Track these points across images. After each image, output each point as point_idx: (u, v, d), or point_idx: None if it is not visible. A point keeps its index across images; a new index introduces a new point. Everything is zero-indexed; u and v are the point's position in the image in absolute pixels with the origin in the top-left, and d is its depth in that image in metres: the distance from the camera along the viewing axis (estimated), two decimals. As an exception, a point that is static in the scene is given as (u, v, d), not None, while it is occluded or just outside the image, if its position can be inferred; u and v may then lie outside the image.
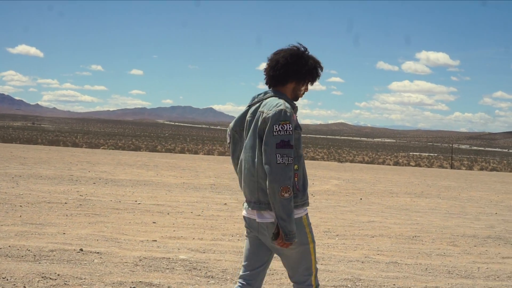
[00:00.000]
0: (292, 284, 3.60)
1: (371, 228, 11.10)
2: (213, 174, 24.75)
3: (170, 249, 7.72)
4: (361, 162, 66.51)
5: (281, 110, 3.35)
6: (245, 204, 3.57)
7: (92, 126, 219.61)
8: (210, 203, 13.79)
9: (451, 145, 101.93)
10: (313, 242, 3.49)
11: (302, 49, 3.56)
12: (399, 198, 18.93)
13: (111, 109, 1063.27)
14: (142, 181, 18.66)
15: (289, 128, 3.33)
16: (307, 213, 3.50)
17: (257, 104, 3.54)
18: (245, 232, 3.68)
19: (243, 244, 8.30)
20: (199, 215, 11.55)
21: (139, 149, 61.74)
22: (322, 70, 3.63)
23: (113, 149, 56.71)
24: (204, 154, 61.40)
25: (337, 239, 9.62)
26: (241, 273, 3.64)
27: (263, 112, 3.42)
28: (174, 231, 9.29)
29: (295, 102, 3.62)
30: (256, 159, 3.41)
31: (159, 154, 49.16)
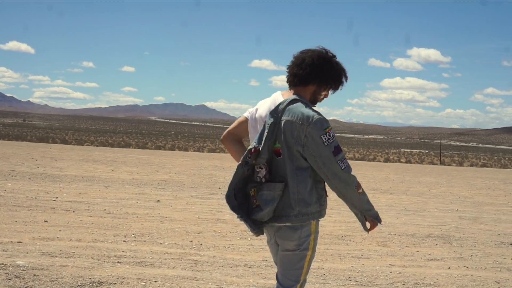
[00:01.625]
0: (276, 283, 3.51)
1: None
2: (177, 170, 23.79)
3: (18, 252, 6.69)
4: (351, 159, 66.04)
5: (318, 119, 3.32)
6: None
7: (83, 123, 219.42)
8: (141, 200, 12.81)
9: (440, 142, 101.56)
10: (313, 251, 3.45)
11: (330, 54, 3.49)
12: (359, 194, 17.96)
13: (103, 106, 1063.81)
14: (88, 177, 17.69)
15: (333, 133, 3.34)
16: (318, 220, 3.45)
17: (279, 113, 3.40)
18: (266, 238, 3.60)
19: (130, 246, 7.33)
20: (111, 213, 10.54)
21: (129, 146, 61.09)
22: (346, 80, 3.54)
23: (97, 145, 55.81)
24: (194, 151, 60.69)
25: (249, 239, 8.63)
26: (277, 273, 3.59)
27: (293, 122, 3.33)
28: (59, 231, 8.28)
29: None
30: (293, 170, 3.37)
31: (139, 150, 48.31)
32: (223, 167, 28.07)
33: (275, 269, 6.64)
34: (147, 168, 24.18)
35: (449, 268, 7.34)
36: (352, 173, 3.38)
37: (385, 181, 25.17)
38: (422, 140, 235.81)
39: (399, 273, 6.80)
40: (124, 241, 7.84)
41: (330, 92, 3.56)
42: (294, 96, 3.43)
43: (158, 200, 12.97)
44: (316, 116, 3.32)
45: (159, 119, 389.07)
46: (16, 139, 61.01)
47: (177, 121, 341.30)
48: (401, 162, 64.85)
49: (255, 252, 7.64)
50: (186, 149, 63.35)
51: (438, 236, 9.96)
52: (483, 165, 71.17)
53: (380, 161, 63.94)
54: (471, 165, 68.16)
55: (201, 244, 7.93)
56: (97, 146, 54.53)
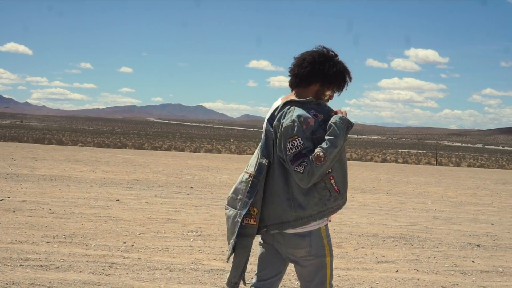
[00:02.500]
0: None
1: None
2: (157, 170, 23.19)
3: None
4: (348, 159, 65.54)
5: (286, 126, 3.23)
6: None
7: (81, 124, 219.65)
8: (99, 200, 12.25)
9: (436, 142, 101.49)
10: (331, 256, 3.35)
11: (332, 53, 3.40)
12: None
13: (100, 107, 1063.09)
14: (57, 176, 17.16)
15: (299, 141, 3.21)
16: (326, 224, 3.35)
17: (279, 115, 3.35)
18: (259, 239, 3.48)
19: (50, 248, 6.77)
20: (54, 212, 9.97)
21: (125, 147, 60.67)
22: (350, 80, 3.44)
23: (93, 146, 55.35)
24: (191, 151, 60.30)
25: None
26: (254, 281, 3.47)
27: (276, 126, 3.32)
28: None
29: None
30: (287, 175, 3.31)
31: (133, 151, 47.70)
32: (208, 167, 27.59)
33: (198, 273, 6.12)
34: (127, 167, 23.62)
35: (396, 271, 6.81)
36: (315, 173, 3.18)
37: (371, 181, 24.69)
38: (420, 140, 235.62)
39: (338, 276, 6.25)
40: (48, 242, 7.28)
41: (335, 93, 3.45)
42: (288, 99, 3.36)
43: (118, 200, 12.41)
44: (287, 122, 3.24)
45: (157, 120, 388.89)
46: (13, 140, 60.67)
47: (175, 122, 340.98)
48: (398, 163, 64.46)
49: (188, 254, 7.09)
50: (182, 150, 62.87)
51: (401, 237, 9.43)
52: (481, 166, 70.80)
53: (377, 162, 63.59)
54: (469, 166, 67.74)
55: (132, 245, 7.38)
56: (92, 147, 54.02)
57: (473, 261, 7.73)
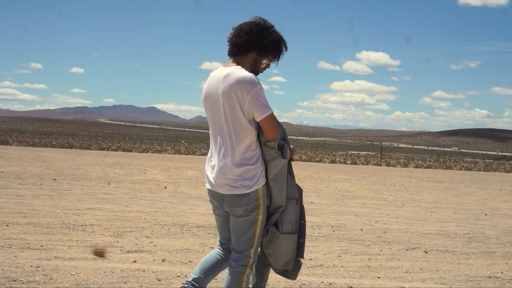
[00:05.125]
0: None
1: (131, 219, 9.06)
2: (47, 165, 22.13)
3: None
4: (298, 160, 65.68)
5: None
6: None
7: (30, 125, 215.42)
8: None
9: (381, 143, 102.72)
10: (263, 216, 3.45)
11: (268, 24, 3.50)
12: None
13: (51, 108, 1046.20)
14: None
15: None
16: (264, 186, 3.45)
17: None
18: (211, 209, 3.67)
19: None
20: None
21: (72, 148, 59.98)
22: (286, 49, 3.56)
23: (26, 146, 53.81)
24: (138, 152, 59.59)
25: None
26: (219, 239, 3.74)
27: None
28: None
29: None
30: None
31: (65, 150, 46.44)
32: (120, 163, 26.87)
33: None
34: (23, 162, 22.47)
35: (163, 260, 6.25)
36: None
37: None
38: (370, 142, 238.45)
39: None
40: None
41: (272, 62, 3.54)
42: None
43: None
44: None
45: (109, 121, 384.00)
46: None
47: (127, 123, 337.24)
48: (347, 164, 64.76)
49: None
50: (131, 151, 62.24)
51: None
52: (428, 167, 71.70)
53: (325, 163, 63.81)
54: (416, 167, 68.45)
55: None
56: (26, 146, 52.40)
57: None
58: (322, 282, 5.58)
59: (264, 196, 3.43)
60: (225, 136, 3.40)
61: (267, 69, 3.57)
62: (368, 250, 7.51)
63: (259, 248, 3.60)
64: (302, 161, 64.51)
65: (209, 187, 3.55)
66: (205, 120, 3.83)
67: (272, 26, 3.52)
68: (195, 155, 61.72)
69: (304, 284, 5.47)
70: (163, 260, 6.12)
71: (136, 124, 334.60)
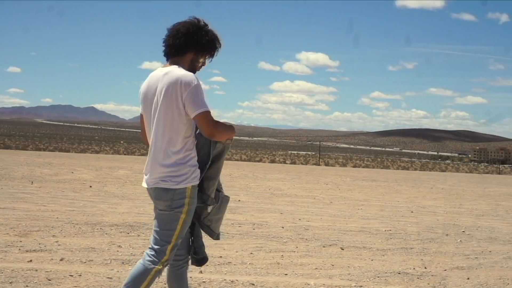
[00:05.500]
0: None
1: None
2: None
3: None
4: (237, 160, 65.66)
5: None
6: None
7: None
8: None
9: (319, 143, 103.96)
10: (188, 216, 3.38)
11: (203, 23, 3.57)
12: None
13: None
14: None
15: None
16: (195, 186, 3.40)
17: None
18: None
19: None
20: None
21: (8, 148, 59.50)
22: (220, 46, 3.62)
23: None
24: (76, 152, 58.49)
25: None
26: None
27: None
28: None
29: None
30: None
31: (6, 151, 45.19)
32: (51, 163, 26.16)
33: None
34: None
35: (61, 260, 5.95)
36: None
37: (223, 176, 24.24)
38: (310, 142, 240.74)
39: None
40: None
41: (207, 59, 3.60)
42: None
43: None
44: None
45: (46, 122, 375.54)
46: None
47: (65, 124, 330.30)
48: (286, 163, 65.06)
49: None
50: (68, 151, 61.64)
51: (128, 225, 8.60)
52: (366, 166, 72.96)
53: (265, 162, 63.99)
54: (354, 166, 69.51)
55: None
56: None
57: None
58: (225, 280, 5.36)
59: (193, 197, 3.39)
60: (160, 133, 3.40)
61: (204, 67, 3.64)
62: (284, 247, 7.34)
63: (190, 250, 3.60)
64: (242, 161, 64.72)
65: (145, 185, 3.53)
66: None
67: (207, 25, 3.58)
68: (134, 155, 61.03)
69: (204, 281, 5.24)
70: (61, 260, 5.80)
71: (74, 125, 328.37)
